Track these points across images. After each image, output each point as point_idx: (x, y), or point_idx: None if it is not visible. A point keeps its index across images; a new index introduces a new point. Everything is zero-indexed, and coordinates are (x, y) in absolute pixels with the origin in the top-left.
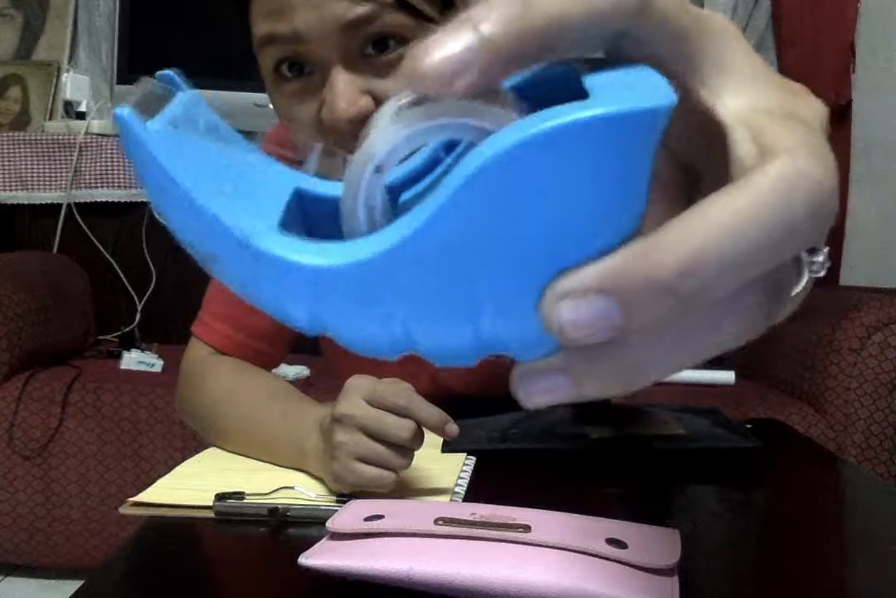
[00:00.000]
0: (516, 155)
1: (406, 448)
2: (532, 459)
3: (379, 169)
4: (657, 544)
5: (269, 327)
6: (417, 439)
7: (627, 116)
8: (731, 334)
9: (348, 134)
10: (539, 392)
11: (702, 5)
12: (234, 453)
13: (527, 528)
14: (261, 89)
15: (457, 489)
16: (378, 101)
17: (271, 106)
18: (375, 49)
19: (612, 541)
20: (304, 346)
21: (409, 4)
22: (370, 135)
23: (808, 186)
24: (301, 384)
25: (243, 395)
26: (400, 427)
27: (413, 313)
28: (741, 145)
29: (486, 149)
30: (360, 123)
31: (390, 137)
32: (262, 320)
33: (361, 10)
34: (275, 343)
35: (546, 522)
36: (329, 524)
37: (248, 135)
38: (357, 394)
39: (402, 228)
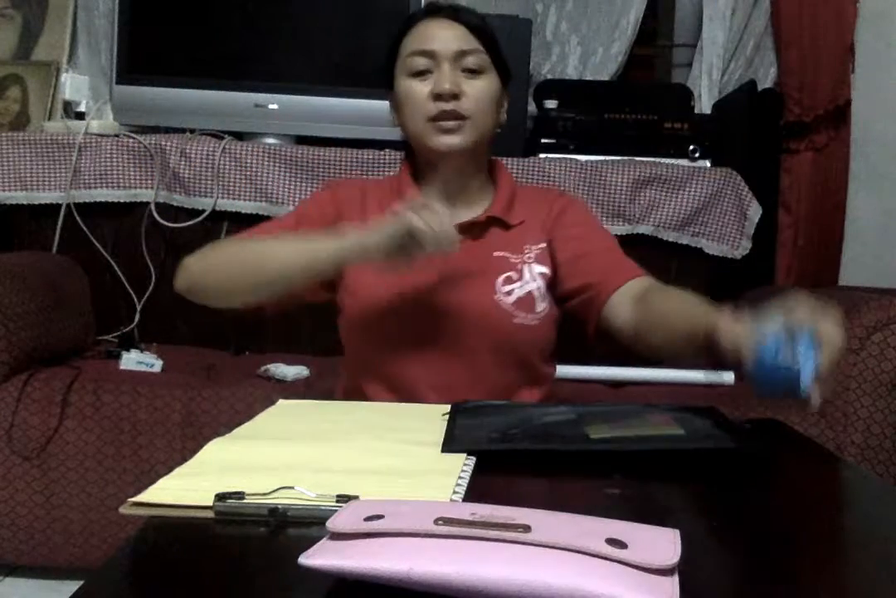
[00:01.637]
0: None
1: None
2: (532, 459)
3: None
4: (657, 544)
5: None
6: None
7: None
8: None
9: (444, 100)
10: None
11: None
12: (238, 282)
13: (527, 528)
14: (260, 89)
15: (457, 489)
16: (461, 93)
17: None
18: (466, 71)
19: (612, 541)
20: (305, 346)
21: (491, 48)
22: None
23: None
24: (301, 385)
25: (259, 241)
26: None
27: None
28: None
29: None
30: (451, 96)
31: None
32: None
33: (467, 46)
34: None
35: (546, 522)
36: (329, 524)
37: (247, 135)
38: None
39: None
